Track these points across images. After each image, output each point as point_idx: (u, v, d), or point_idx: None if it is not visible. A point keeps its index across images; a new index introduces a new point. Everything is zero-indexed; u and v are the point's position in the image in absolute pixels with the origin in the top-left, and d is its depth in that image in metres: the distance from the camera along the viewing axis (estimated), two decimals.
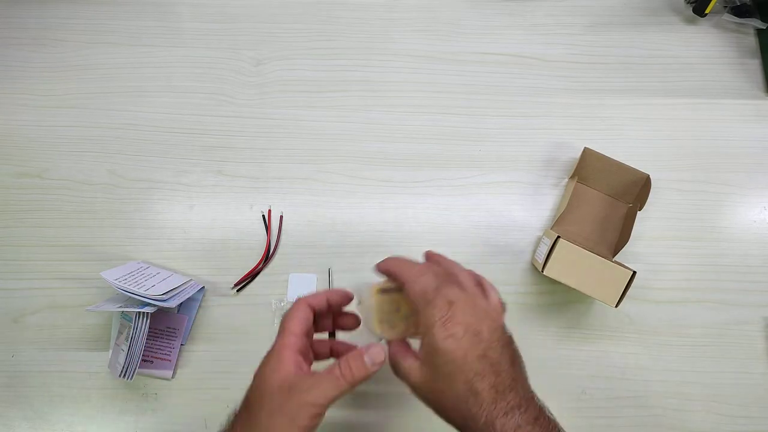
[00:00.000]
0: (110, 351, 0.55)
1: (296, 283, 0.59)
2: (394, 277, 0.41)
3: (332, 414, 0.38)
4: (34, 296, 0.58)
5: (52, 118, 0.65)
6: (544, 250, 0.55)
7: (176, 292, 0.54)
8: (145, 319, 0.51)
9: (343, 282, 0.59)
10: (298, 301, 0.42)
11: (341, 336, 0.48)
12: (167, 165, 0.63)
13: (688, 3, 0.71)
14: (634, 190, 0.61)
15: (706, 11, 0.68)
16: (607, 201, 0.63)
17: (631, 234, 0.57)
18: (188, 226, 0.61)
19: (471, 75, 0.68)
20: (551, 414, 0.37)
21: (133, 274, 0.54)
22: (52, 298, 0.58)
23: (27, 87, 0.66)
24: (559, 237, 0.52)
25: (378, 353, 0.38)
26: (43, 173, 0.62)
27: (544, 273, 0.52)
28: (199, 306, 0.58)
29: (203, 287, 0.58)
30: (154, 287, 0.52)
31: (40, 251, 0.60)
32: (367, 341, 0.40)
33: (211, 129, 0.65)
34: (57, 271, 0.59)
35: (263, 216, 0.61)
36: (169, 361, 0.56)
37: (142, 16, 0.69)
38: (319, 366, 0.41)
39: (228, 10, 0.70)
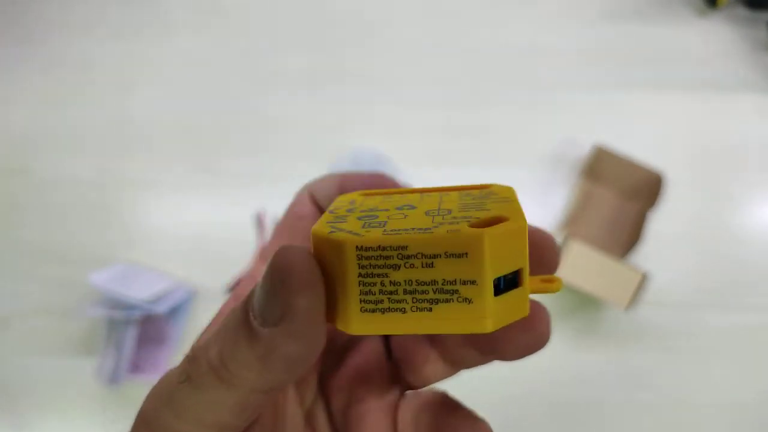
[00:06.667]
0: (98, 356, 0.53)
1: None
2: None
3: None
4: (19, 300, 0.56)
5: (38, 114, 0.62)
6: None
7: (166, 296, 0.52)
8: (133, 323, 0.48)
9: None
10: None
11: None
12: (157, 163, 0.61)
13: None
14: (647, 189, 0.59)
15: (718, 3, 0.66)
16: (618, 200, 0.61)
17: (644, 235, 0.55)
18: (179, 226, 0.59)
19: (476, 66, 0.65)
20: None
21: (121, 276, 0.51)
22: (38, 302, 0.56)
23: (11, 82, 0.63)
24: (568, 238, 0.51)
25: None
26: (29, 171, 0.60)
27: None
28: (191, 309, 0.56)
29: (195, 290, 0.56)
30: (144, 291, 0.50)
31: (25, 253, 0.58)
32: None
33: (203, 125, 0.62)
34: (42, 273, 0.57)
35: (257, 215, 0.59)
36: (159, 366, 0.54)
37: (133, 9, 0.67)
38: None
39: (222, 1, 0.67)
